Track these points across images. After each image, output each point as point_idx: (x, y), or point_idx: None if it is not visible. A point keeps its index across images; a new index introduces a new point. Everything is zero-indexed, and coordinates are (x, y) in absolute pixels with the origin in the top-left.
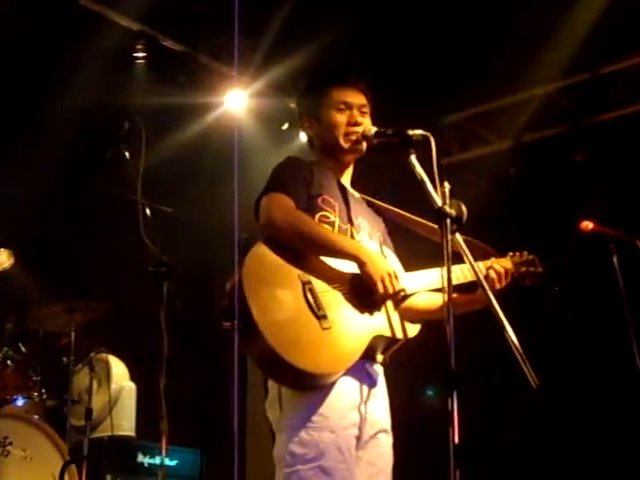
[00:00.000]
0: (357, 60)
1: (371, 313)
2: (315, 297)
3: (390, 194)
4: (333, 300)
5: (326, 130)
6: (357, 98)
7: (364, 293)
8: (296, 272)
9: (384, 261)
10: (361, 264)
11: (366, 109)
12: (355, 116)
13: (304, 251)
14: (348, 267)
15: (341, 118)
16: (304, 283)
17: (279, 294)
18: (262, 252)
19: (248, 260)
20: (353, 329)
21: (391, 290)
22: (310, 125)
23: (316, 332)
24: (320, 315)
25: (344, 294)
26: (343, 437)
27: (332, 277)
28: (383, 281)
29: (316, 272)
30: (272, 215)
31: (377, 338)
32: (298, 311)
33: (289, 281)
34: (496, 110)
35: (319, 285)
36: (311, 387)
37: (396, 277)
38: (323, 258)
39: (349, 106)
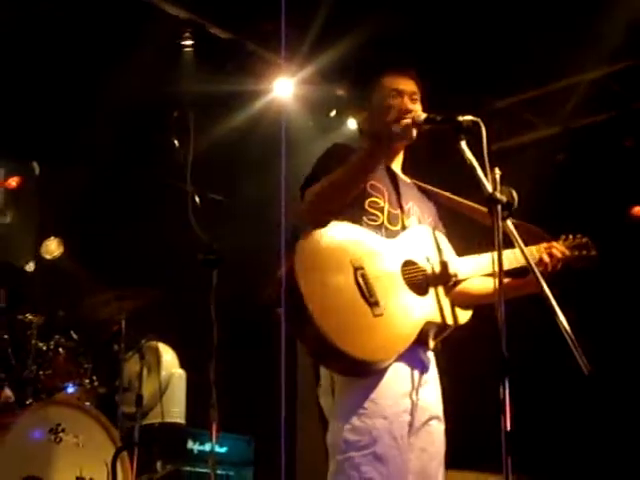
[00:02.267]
0: (405, 47)
1: (422, 298)
2: (367, 283)
3: (442, 180)
4: (385, 286)
5: (377, 117)
6: (408, 85)
7: (415, 279)
8: (348, 257)
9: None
10: (369, 152)
11: (417, 96)
12: (406, 103)
13: (340, 202)
14: (400, 252)
15: (394, 105)
16: (356, 269)
17: (331, 280)
18: (313, 239)
19: (299, 247)
20: (405, 315)
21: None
22: (360, 111)
23: (368, 319)
24: (372, 302)
25: (396, 279)
26: (396, 424)
27: (384, 262)
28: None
29: (368, 257)
30: (309, 203)
31: (428, 324)
32: (350, 297)
33: (341, 267)
34: (545, 95)
35: (371, 270)
36: (363, 374)
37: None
38: (374, 243)
39: (400, 93)
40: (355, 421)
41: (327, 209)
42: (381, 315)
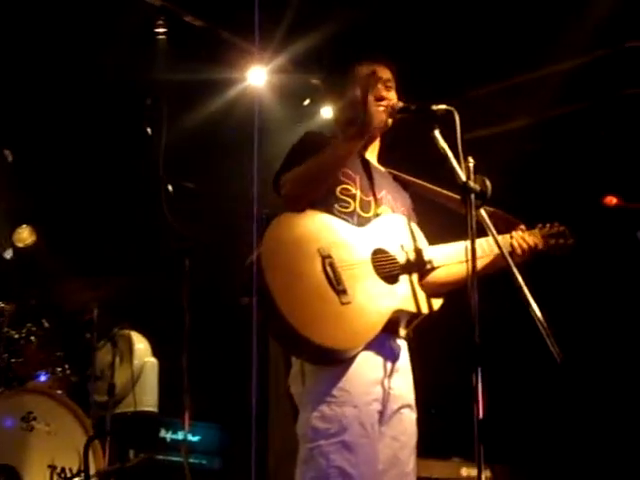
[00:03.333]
0: (378, 36)
1: (392, 287)
2: (335, 271)
3: (415, 169)
4: (353, 274)
5: (351, 105)
6: (383, 73)
7: (386, 267)
8: (316, 246)
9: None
10: (346, 138)
11: (391, 83)
12: (380, 90)
13: (317, 189)
14: (371, 240)
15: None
16: (324, 257)
17: (298, 269)
18: (282, 227)
19: (267, 235)
20: (373, 304)
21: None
22: (335, 100)
23: (335, 307)
24: (339, 290)
25: (364, 268)
26: (365, 412)
27: (353, 250)
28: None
29: (336, 245)
30: (287, 190)
31: (398, 312)
32: (317, 286)
33: (309, 255)
34: (519, 85)
35: (339, 259)
36: (331, 362)
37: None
38: (343, 232)
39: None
40: (324, 409)
41: (304, 196)
42: (349, 303)
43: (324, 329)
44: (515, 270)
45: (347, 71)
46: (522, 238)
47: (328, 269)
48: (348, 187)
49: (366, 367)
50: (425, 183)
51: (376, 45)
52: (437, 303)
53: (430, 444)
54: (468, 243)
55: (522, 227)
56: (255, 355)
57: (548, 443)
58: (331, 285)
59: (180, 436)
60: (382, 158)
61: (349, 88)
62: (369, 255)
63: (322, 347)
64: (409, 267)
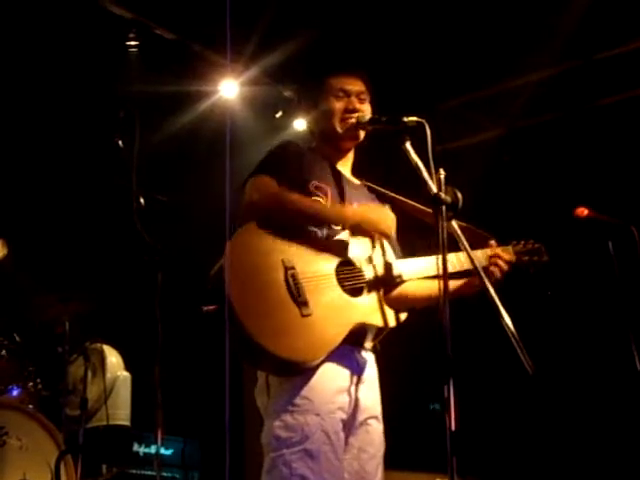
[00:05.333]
0: (351, 47)
1: (355, 300)
2: (297, 283)
3: (387, 181)
4: (316, 286)
5: (323, 117)
6: (355, 85)
7: (350, 280)
8: (280, 257)
9: (373, 210)
10: (353, 227)
11: (365, 96)
12: (353, 102)
13: (288, 222)
14: (337, 253)
15: (339, 105)
16: (287, 268)
17: (260, 280)
18: (246, 237)
19: (231, 245)
20: (334, 316)
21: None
22: (308, 112)
23: (295, 319)
24: (300, 301)
25: (328, 280)
26: (328, 420)
27: (317, 262)
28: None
29: (301, 257)
30: (252, 195)
31: (360, 325)
32: (278, 297)
33: (272, 266)
34: (491, 96)
35: (302, 270)
36: (290, 372)
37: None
38: (311, 244)
39: (347, 93)
40: (287, 418)
41: (268, 216)
42: (309, 315)
43: (282, 340)
44: (487, 282)
45: (319, 82)
46: (494, 258)
47: (290, 280)
48: (319, 199)
49: (329, 377)
50: (400, 196)
51: (346, 58)
52: (401, 317)
53: (400, 456)
54: (438, 258)
55: (493, 242)
56: (228, 367)
57: (520, 455)
58: (292, 297)
59: (153, 450)
60: (356, 170)
61: (321, 100)
62: (333, 268)
63: (281, 359)
64: (376, 280)
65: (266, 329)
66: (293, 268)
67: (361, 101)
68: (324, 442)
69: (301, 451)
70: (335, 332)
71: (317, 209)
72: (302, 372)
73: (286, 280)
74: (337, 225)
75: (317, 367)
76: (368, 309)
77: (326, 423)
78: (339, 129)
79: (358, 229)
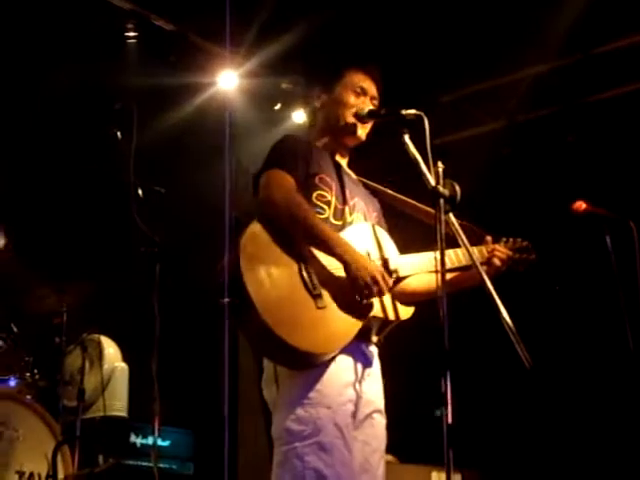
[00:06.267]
0: (349, 40)
1: None
2: (311, 276)
3: (385, 176)
4: (329, 279)
5: (335, 105)
6: (372, 88)
7: None
8: (293, 250)
9: (371, 264)
10: (347, 266)
11: (376, 102)
12: (367, 104)
13: (293, 234)
14: None
15: (355, 101)
16: (300, 261)
17: (275, 272)
18: (259, 230)
19: (245, 238)
20: (348, 309)
21: (377, 290)
22: (319, 97)
23: (311, 311)
24: (315, 294)
25: (340, 274)
26: (340, 413)
27: (325, 256)
28: (367, 286)
29: (311, 251)
30: (272, 193)
31: (371, 319)
32: (294, 289)
33: (286, 259)
34: (489, 90)
35: (314, 264)
36: (306, 365)
37: (383, 277)
38: None
39: (364, 92)
40: (299, 411)
41: (283, 225)
42: (324, 308)
43: (301, 332)
44: (487, 278)
45: (340, 72)
46: (491, 252)
47: (304, 273)
48: (324, 193)
49: (340, 370)
50: (395, 193)
51: (369, 55)
52: (408, 311)
53: (400, 449)
54: (436, 253)
55: (488, 239)
56: (226, 359)
57: (517, 448)
58: (307, 289)
59: (150, 441)
60: (353, 165)
61: (338, 90)
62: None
63: (299, 350)
64: None
65: (284, 322)
66: (306, 261)
67: (373, 106)
68: (336, 435)
69: (314, 444)
70: (350, 325)
71: (326, 235)
72: (317, 365)
73: (300, 272)
74: (330, 254)
75: (329, 360)
76: (376, 303)
77: (337, 416)
78: (348, 121)
79: (346, 268)
